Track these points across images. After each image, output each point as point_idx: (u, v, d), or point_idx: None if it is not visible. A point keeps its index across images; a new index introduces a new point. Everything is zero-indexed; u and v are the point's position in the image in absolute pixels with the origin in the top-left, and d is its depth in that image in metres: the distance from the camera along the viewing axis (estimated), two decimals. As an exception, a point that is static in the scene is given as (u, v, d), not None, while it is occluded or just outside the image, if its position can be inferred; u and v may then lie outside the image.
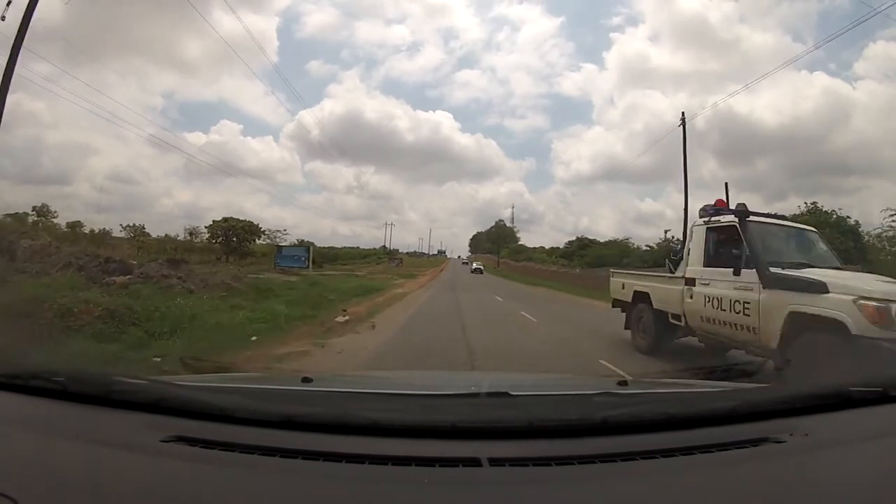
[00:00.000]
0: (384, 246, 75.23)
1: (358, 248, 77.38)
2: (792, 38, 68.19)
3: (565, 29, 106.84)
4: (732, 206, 6.25)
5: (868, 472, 1.03)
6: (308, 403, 1.22)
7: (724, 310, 5.52)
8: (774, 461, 1.05)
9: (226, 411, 1.11)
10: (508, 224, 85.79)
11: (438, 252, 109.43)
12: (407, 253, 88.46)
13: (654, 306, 7.15)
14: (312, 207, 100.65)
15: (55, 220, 33.86)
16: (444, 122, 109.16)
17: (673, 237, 29.80)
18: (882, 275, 5.68)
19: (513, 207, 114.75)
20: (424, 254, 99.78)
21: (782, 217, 6.71)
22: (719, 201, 6.64)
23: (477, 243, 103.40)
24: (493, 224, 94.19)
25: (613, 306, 8.87)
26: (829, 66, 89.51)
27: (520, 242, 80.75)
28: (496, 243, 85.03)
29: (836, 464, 1.07)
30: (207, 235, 39.91)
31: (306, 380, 1.58)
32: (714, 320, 5.76)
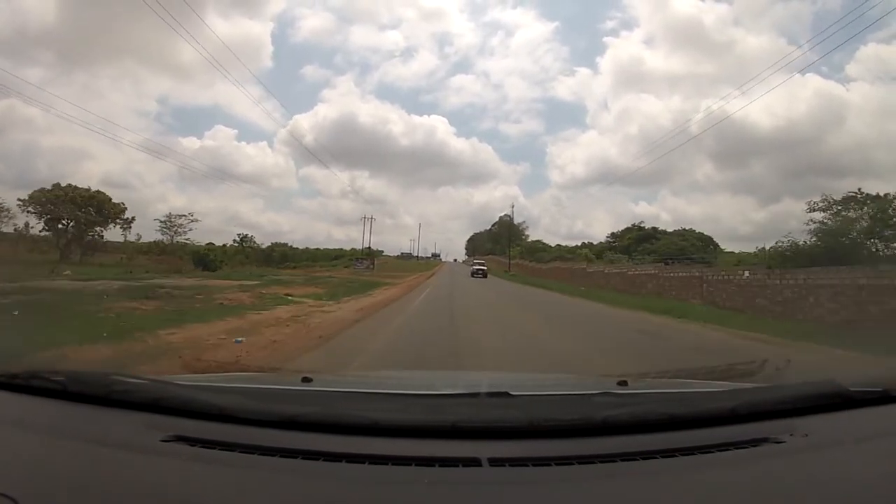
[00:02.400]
0: (369, 247, 64.34)
1: (341, 249, 65.85)
2: (787, 40, 68.15)
3: (559, 33, 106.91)
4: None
5: (868, 473, 1.03)
6: (308, 403, 1.22)
7: None
8: (774, 461, 1.05)
9: (226, 411, 1.11)
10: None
11: (433, 255, 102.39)
12: (396, 256, 79.30)
13: None
14: (308, 212, 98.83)
15: None
16: (438, 127, 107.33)
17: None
18: None
19: (513, 207, 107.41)
20: (413, 256, 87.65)
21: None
22: None
23: (475, 245, 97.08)
24: (495, 222, 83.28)
25: None
26: (823, 68, 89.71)
27: (530, 239, 65.92)
28: (499, 242, 73.86)
29: (836, 464, 1.06)
30: (26, 218, 22.45)
31: (306, 380, 1.58)
32: None
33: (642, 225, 43.27)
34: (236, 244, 45.07)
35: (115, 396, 1.16)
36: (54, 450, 1.02)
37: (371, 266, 42.13)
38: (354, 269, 40.10)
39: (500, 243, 73.08)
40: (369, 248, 63.22)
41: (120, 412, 1.14)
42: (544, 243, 62.86)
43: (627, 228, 45.32)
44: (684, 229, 35.90)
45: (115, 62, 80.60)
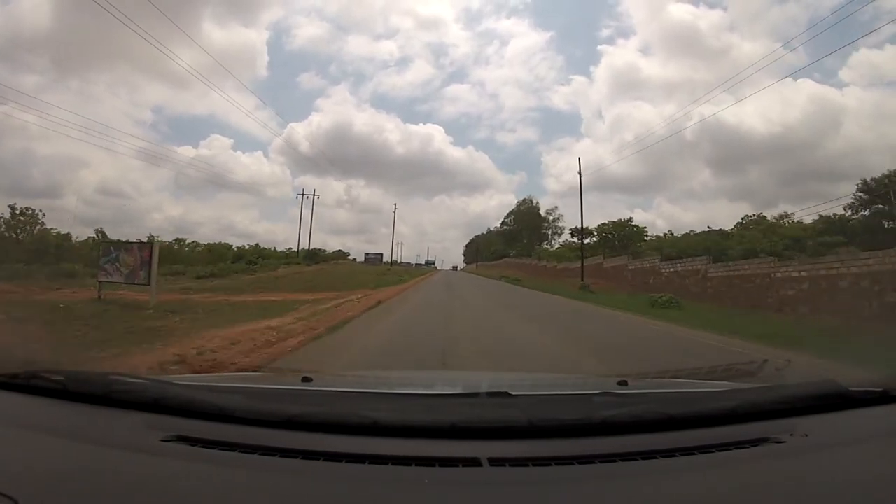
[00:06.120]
0: (331, 249, 49.63)
1: (274, 249, 47.60)
2: (782, 45, 68.17)
3: (555, 42, 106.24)
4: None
5: (868, 473, 1.03)
6: (308, 403, 1.22)
7: None
8: (774, 461, 1.05)
9: (226, 411, 1.11)
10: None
11: (427, 263, 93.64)
12: (363, 259, 60.08)
13: None
14: (303, 221, 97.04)
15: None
16: (434, 136, 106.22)
17: None
18: None
19: (535, 203, 66.97)
20: (381, 259, 60.97)
21: None
22: None
23: (478, 248, 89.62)
24: (510, 212, 63.02)
25: None
26: (816, 74, 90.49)
27: (563, 235, 42.92)
28: (517, 241, 54.67)
29: (836, 464, 1.06)
30: None
31: (306, 379, 1.58)
32: None
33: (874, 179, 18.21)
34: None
35: (115, 396, 1.16)
36: (54, 450, 1.02)
37: (142, 271, 11.65)
38: (102, 276, 12.63)
39: (520, 241, 53.81)
40: (333, 249, 46.70)
41: (120, 412, 1.14)
42: (639, 226, 37.79)
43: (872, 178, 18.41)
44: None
45: (111, 70, 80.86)
